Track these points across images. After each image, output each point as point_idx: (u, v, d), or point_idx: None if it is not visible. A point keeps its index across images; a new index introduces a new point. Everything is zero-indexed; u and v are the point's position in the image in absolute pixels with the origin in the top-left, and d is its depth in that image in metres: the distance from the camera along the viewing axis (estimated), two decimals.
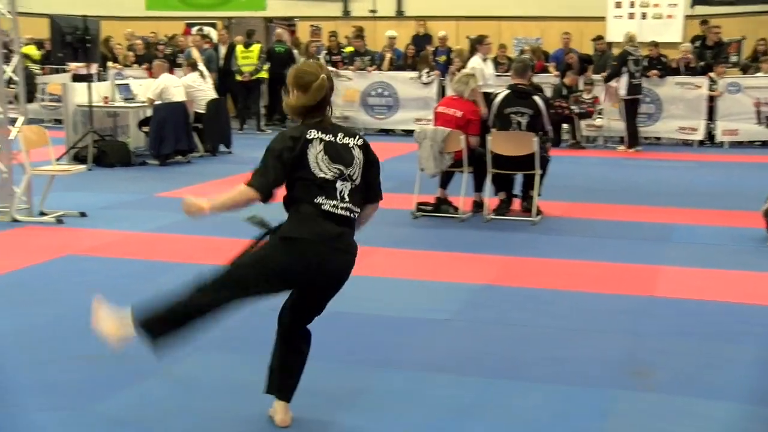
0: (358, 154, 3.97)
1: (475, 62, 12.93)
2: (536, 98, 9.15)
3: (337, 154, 3.91)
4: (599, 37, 17.67)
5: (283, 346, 4.11)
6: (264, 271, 3.86)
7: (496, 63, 15.93)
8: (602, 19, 18.98)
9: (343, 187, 3.90)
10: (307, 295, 4.03)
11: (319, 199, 3.85)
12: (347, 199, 3.90)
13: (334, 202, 3.87)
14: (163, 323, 3.82)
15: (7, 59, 8.93)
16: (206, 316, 3.84)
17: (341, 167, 3.90)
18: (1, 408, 4.25)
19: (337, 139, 3.96)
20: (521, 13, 20.62)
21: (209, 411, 4.27)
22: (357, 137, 4.03)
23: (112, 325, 3.86)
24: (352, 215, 3.94)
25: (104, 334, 3.87)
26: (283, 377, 4.12)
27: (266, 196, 3.90)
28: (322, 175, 3.86)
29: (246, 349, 5.03)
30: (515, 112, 9.03)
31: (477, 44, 13.44)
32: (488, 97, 9.78)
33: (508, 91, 9.25)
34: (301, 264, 3.85)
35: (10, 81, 8.87)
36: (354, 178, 3.94)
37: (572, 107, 15.21)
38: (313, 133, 3.91)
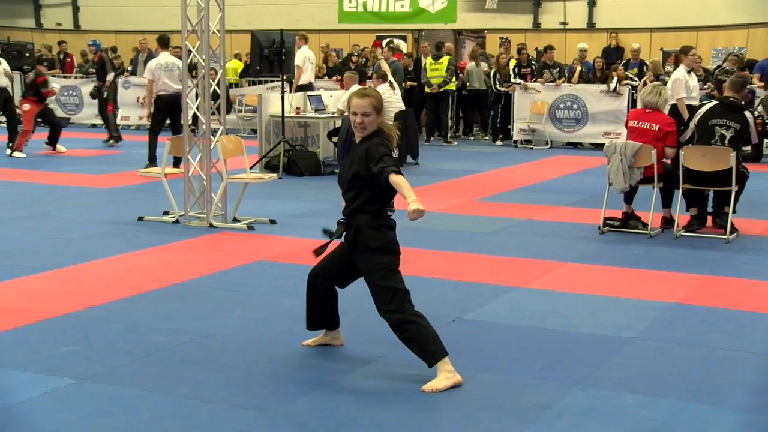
0: None
1: (680, 74, 12.42)
2: (747, 114, 8.73)
3: None
4: None
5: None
6: None
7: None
8: None
9: None
10: None
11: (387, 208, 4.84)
12: None
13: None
14: (434, 344, 4.70)
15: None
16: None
17: None
18: (199, 402, 4.44)
19: None
20: (724, 21, 19.77)
21: (389, 418, 4.30)
22: None
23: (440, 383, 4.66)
24: None
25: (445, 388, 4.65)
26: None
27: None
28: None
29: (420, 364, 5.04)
30: (721, 124, 8.66)
31: (683, 55, 12.95)
32: (692, 110, 9.42)
33: (715, 102, 8.89)
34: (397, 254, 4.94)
35: (213, 94, 9.29)
36: None
37: None
38: None
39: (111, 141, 16.66)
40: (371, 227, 4.75)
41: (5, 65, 16.50)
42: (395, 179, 4.56)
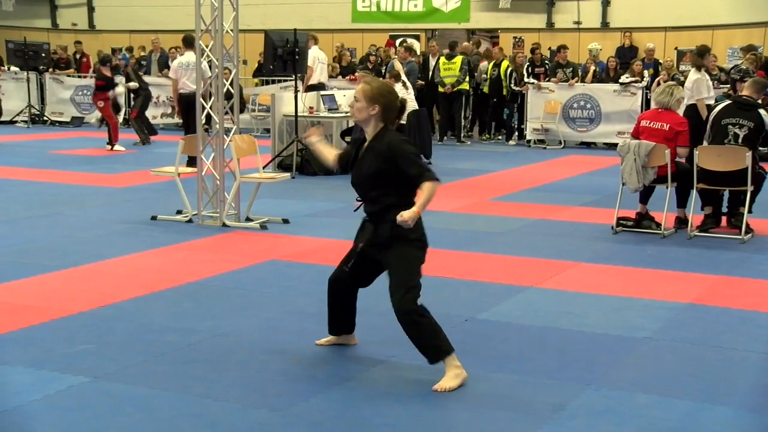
0: None
1: (701, 74, 12.35)
2: (762, 111, 8.67)
3: None
4: None
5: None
6: None
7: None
8: None
9: None
10: None
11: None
12: None
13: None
14: (443, 341, 4.69)
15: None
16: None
17: None
18: (212, 401, 4.45)
19: None
20: (739, 19, 19.63)
21: (402, 418, 4.30)
22: None
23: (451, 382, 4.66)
24: None
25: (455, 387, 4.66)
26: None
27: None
28: None
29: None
30: (734, 123, 8.61)
31: (706, 54, 12.87)
32: (709, 110, 9.40)
33: (729, 102, 8.85)
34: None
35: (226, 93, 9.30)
36: None
37: None
38: None
39: (138, 142, 17.06)
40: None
41: None
42: (428, 187, 4.57)
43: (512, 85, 17.77)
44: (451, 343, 4.69)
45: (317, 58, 15.88)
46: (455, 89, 17.48)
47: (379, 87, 4.84)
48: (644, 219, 8.95)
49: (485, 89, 18.38)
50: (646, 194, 8.99)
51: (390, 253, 4.74)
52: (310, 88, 15.06)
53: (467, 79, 17.70)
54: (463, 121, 18.20)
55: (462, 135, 18.00)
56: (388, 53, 19.62)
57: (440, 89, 17.64)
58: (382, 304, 4.87)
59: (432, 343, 4.68)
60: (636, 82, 16.63)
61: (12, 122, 20.65)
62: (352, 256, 4.96)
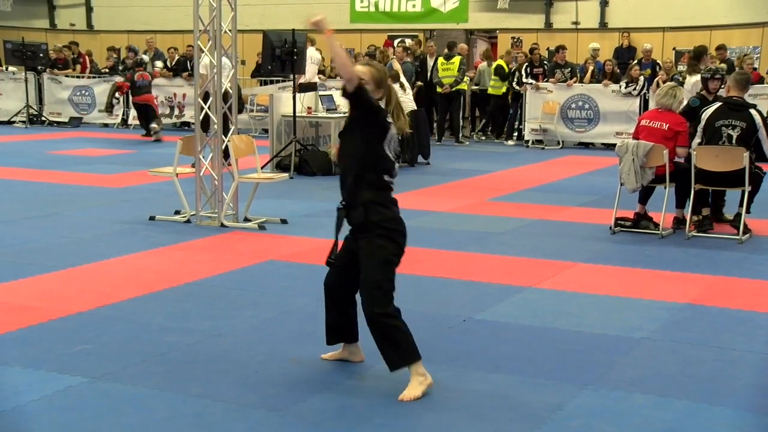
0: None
1: (699, 75, 12.40)
2: (753, 111, 8.67)
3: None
4: None
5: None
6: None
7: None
8: None
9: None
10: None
11: (387, 177, 4.56)
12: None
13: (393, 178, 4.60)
14: (409, 348, 4.50)
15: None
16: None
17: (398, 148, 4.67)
18: (210, 401, 4.45)
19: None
20: (737, 20, 19.65)
21: (402, 418, 4.30)
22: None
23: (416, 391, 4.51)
24: None
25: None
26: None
27: (354, 87, 4.40)
28: (391, 155, 4.57)
29: (437, 359, 5.03)
30: (726, 124, 8.62)
31: (704, 56, 12.89)
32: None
33: (719, 104, 8.85)
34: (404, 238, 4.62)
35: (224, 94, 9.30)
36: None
37: None
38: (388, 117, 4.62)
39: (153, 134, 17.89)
40: (377, 203, 4.55)
41: None
42: (344, 61, 4.36)
43: (515, 85, 17.82)
44: (418, 351, 4.52)
45: (310, 58, 15.89)
46: (453, 89, 17.49)
47: (384, 73, 4.62)
48: (642, 219, 8.96)
49: (489, 90, 18.46)
50: (645, 194, 8.99)
51: (361, 245, 4.54)
52: (301, 88, 15.05)
53: (465, 79, 17.73)
54: (462, 121, 18.21)
55: (461, 135, 18.01)
56: (386, 53, 19.62)
57: (438, 89, 17.65)
58: None
59: (397, 350, 4.48)
60: (633, 87, 16.55)
61: (10, 122, 20.65)
62: (334, 248, 4.74)
